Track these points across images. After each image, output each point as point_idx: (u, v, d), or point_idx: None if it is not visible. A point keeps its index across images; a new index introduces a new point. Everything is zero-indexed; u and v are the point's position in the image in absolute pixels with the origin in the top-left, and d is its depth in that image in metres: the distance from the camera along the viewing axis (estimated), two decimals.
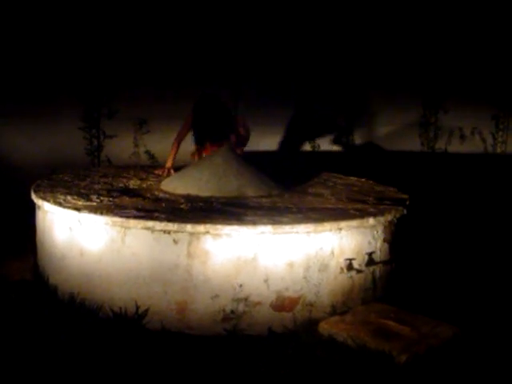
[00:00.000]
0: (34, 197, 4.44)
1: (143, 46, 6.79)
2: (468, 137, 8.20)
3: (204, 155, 5.32)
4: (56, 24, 6.48)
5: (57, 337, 3.58)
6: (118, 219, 3.87)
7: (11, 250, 4.91)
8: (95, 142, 6.78)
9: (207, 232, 3.76)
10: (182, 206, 4.19)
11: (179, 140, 5.40)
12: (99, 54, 6.62)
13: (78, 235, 4.03)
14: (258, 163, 4.92)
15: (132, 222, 3.83)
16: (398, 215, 4.30)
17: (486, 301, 4.35)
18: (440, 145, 8.17)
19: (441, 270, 4.89)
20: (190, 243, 3.78)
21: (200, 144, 5.38)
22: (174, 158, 5.35)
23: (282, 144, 7.56)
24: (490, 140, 8.24)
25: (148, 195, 4.50)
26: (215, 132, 5.28)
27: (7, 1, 6.30)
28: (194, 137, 5.37)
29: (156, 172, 5.27)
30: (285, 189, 4.77)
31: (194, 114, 5.31)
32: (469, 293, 4.47)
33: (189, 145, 5.42)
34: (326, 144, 7.76)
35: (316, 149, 7.69)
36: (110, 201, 4.29)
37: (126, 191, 4.56)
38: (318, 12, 7.40)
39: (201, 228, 3.76)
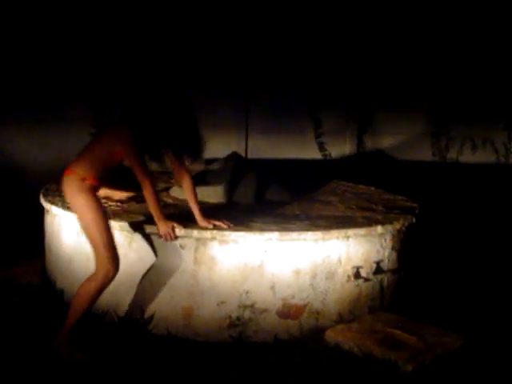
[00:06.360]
0: (42, 200, 4.46)
1: (154, 53, 6.81)
2: (480, 147, 8.15)
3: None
4: (69, 33, 6.51)
5: None
6: (125, 224, 3.88)
7: (20, 254, 4.92)
8: None
9: (214, 238, 3.75)
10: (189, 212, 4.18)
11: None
12: (110, 61, 6.64)
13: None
14: (267, 170, 4.90)
15: (139, 227, 3.84)
16: (406, 224, 4.27)
17: (495, 311, 4.31)
18: (452, 155, 8.12)
19: (450, 280, 4.85)
20: (196, 249, 3.77)
21: (157, 159, 3.77)
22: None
23: (292, 152, 7.53)
24: (502, 150, 8.18)
25: None
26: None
27: (20, 10, 6.35)
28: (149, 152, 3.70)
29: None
30: (293, 196, 4.75)
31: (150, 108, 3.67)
32: (477, 303, 4.43)
33: None
34: (336, 152, 7.73)
35: (327, 157, 7.66)
36: (118, 206, 4.29)
37: (135, 196, 4.55)
38: (327, 18, 7.40)
39: (207, 234, 3.75)
